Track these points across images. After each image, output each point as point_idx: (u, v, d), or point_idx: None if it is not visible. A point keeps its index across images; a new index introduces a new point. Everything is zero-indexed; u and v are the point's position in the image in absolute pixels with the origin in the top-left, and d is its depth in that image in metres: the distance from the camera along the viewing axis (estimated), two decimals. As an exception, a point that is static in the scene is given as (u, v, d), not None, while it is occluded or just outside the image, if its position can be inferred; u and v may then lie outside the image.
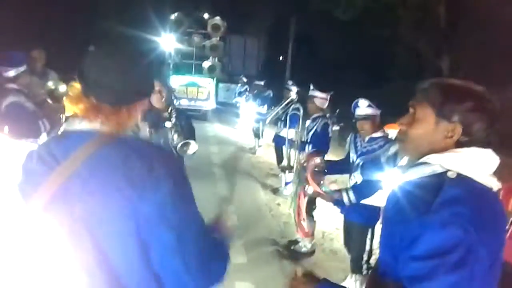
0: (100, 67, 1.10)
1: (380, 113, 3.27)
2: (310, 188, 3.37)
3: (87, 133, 1.09)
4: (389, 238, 1.23)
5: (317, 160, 3.50)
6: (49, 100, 4.09)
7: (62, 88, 4.47)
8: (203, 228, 1.18)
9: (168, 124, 3.02)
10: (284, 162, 6.45)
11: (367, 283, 1.44)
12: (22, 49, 3.98)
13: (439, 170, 1.15)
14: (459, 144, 1.17)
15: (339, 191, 3.21)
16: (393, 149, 3.10)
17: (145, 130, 2.58)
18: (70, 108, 1.15)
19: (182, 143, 2.95)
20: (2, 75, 3.55)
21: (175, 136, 2.99)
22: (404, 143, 1.28)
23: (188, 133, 3.19)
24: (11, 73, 3.56)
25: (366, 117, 3.22)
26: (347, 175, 3.51)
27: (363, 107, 3.23)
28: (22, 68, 3.60)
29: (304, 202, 3.97)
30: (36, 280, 1.08)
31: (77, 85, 1.14)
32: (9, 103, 3.47)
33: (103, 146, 1.07)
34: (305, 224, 4.16)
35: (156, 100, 3.08)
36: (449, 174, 1.12)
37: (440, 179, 1.12)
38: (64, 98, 1.11)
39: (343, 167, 3.62)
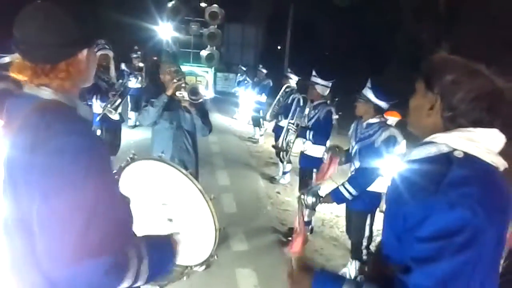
0: (22, 27, 1.16)
1: (386, 107, 3.21)
2: (309, 199, 3.21)
3: (30, 98, 1.19)
4: (392, 219, 1.21)
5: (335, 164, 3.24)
6: None
7: None
8: (92, 212, 1.09)
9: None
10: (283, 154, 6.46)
11: (370, 265, 1.43)
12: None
13: (445, 149, 1.13)
14: (446, 120, 1.16)
15: (337, 189, 3.17)
16: (385, 134, 3.08)
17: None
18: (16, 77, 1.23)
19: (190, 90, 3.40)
20: None
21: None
22: (408, 117, 1.30)
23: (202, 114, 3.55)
24: (6, 59, 3.54)
25: (367, 100, 3.16)
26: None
27: (371, 89, 3.15)
28: (16, 55, 3.56)
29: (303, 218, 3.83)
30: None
31: (17, 59, 1.22)
32: None
33: (33, 113, 1.15)
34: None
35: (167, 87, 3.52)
36: (456, 153, 1.10)
37: (446, 159, 1.10)
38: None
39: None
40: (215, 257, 1.86)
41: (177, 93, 3.44)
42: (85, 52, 1.23)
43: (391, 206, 1.27)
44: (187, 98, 3.39)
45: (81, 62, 1.23)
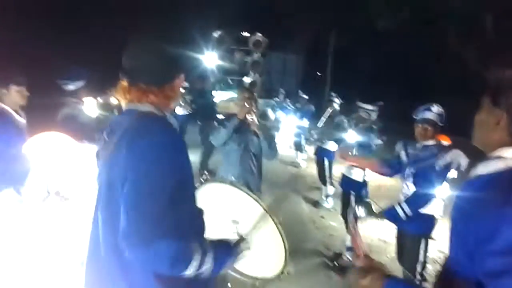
0: (133, 60, 1.44)
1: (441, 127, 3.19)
2: (361, 210, 3.25)
3: (130, 112, 1.42)
4: (461, 236, 1.18)
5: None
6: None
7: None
8: (166, 200, 1.28)
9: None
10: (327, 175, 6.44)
11: (436, 282, 1.38)
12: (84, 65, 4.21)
13: None
14: None
15: (392, 207, 3.08)
16: (449, 156, 3.00)
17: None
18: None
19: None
20: (63, 89, 3.83)
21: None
22: (473, 132, 1.30)
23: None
24: (71, 87, 3.83)
25: (433, 124, 3.11)
26: (389, 179, 3.43)
27: (435, 112, 3.12)
28: (81, 83, 3.85)
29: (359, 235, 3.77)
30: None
31: (123, 83, 1.46)
32: (64, 115, 3.74)
33: (133, 120, 1.38)
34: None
35: (239, 110, 3.69)
36: None
37: None
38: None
39: (386, 170, 3.51)
40: (287, 273, 2.07)
41: (247, 117, 3.60)
42: (182, 77, 1.53)
43: (458, 223, 1.24)
44: (257, 122, 3.55)
45: (177, 85, 1.52)
